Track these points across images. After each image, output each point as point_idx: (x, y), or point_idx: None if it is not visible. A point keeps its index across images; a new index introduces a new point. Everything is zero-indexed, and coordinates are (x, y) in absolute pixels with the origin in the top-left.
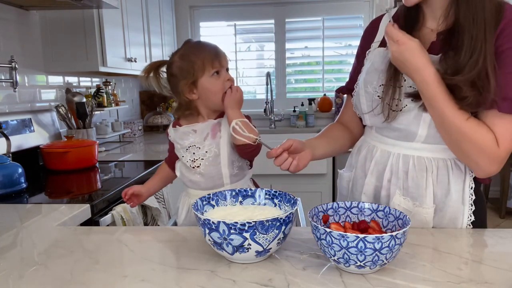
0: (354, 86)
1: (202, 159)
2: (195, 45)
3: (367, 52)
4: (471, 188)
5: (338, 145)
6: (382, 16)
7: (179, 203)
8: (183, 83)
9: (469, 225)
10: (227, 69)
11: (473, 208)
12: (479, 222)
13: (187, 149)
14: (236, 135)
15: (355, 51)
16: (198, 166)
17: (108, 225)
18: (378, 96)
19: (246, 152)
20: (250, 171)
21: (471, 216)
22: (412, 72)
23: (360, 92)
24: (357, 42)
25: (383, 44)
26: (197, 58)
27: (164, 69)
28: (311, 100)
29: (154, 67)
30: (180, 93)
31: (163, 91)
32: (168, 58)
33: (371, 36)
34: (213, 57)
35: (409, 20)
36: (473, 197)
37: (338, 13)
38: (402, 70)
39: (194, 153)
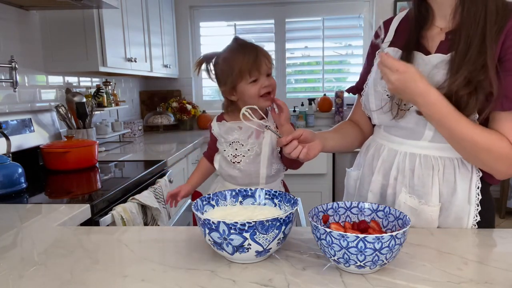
0: (364, 86)
1: (244, 156)
2: (237, 49)
3: (377, 52)
4: (478, 188)
5: (349, 140)
6: (392, 18)
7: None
8: (223, 89)
9: (475, 225)
10: (268, 74)
11: (479, 208)
12: (485, 223)
13: (230, 144)
14: (245, 121)
15: (355, 51)
16: (238, 162)
17: (108, 225)
18: (387, 95)
19: (290, 163)
20: (283, 174)
21: (476, 216)
22: (415, 97)
23: (369, 92)
24: (357, 42)
25: (393, 44)
26: (236, 66)
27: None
28: (311, 100)
29: (205, 60)
30: (222, 94)
31: (214, 81)
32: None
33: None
34: (251, 66)
35: (419, 19)
36: (480, 197)
37: (338, 13)
38: (404, 97)
39: (236, 149)
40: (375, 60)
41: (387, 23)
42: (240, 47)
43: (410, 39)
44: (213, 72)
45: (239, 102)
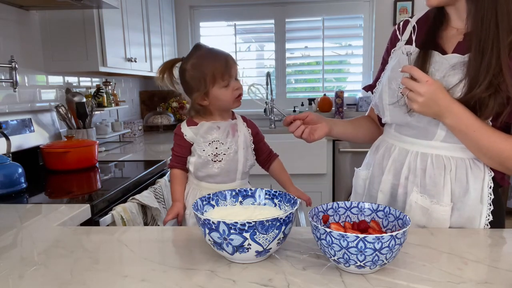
0: (377, 84)
1: (224, 154)
2: (206, 55)
3: (392, 50)
4: (490, 188)
5: (361, 132)
6: (408, 20)
7: (187, 196)
8: (196, 94)
9: (487, 225)
10: (236, 78)
11: (492, 207)
12: (497, 222)
13: (209, 144)
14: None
15: (355, 51)
16: (220, 160)
17: (108, 225)
18: (402, 93)
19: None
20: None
21: (489, 216)
22: (443, 109)
23: (383, 89)
24: (357, 42)
25: (409, 43)
26: (208, 71)
27: (177, 65)
28: (311, 100)
29: (168, 67)
30: (193, 100)
31: (176, 89)
32: (171, 57)
33: (396, 38)
34: (223, 70)
35: (437, 19)
36: (492, 197)
37: (338, 13)
38: (432, 110)
39: (216, 148)
40: (390, 58)
41: (404, 24)
42: (208, 53)
43: (428, 38)
44: (178, 79)
45: (210, 106)
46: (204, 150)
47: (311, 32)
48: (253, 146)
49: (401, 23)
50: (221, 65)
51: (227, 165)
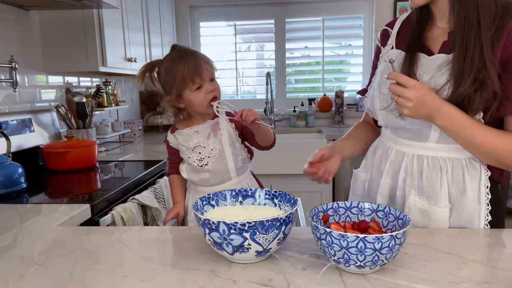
0: (368, 88)
1: (209, 157)
2: (177, 58)
3: (380, 55)
4: (487, 187)
5: (364, 143)
6: (394, 20)
7: (187, 202)
8: (169, 97)
9: (487, 225)
10: (212, 79)
11: (490, 207)
12: (496, 221)
13: (192, 150)
14: (220, 113)
15: (355, 51)
16: (206, 164)
17: (108, 225)
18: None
19: (259, 146)
20: (250, 164)
21: (488, 216)
22: (433, 112)
23: (374, 94)
24: (357, 42)
25: (395, 46)
26: (178, 74)
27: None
28: (311, 100)
29: (148, 69)
30: (165, 103)
31: (159, 90)
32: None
33: (384, 40)
34: (192, 73)
35: (421, 20)
36: (489, 196)
37: (338, 13)
38: (422, 113)
39: (200, 153)
40: (379, 63)
41: (389, 26)
42: (179, 55)
43: (413, 40)
44: (158, 81)
45: (187, 109)
46: (189, 157)
47: (311, 32)
48: (240, 139)
49: (379, 33)
50: (189, 68)
51: (216, 167)
